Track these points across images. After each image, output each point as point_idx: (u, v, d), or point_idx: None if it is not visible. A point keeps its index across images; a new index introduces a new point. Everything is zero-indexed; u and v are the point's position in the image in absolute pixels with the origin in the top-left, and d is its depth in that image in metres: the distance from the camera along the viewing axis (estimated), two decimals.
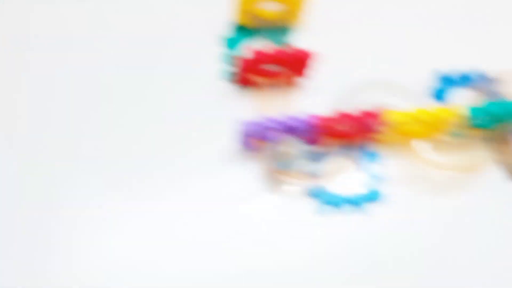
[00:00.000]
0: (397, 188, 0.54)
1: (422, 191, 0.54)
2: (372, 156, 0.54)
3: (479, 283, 0.51)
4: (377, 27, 0.61)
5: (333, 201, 0.53)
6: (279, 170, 0.51)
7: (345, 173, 0.54)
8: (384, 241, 0.52)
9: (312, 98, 0.56)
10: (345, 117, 0.50)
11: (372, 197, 0.53)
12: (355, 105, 0.54)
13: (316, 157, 0.54)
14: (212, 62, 0.56)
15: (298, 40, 0.59)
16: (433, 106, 0.50)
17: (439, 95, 0.57)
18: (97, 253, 0.50)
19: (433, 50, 0.60)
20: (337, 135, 0.53)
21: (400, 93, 0.56)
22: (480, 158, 0.53)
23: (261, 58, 0.52)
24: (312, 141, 0.53)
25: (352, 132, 0.53)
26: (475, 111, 0.50)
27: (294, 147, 0.50)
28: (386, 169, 0.54)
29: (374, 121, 0.50)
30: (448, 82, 0.58)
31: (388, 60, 0.59)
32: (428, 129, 0.53)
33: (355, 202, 0.53)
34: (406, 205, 0.53)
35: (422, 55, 0.60)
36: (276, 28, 0.58)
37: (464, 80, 0.58)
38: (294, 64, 0.53)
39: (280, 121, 0.49)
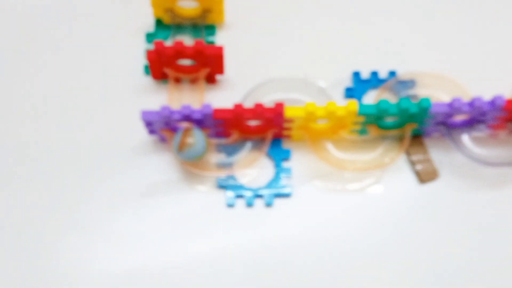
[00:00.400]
0: (305, 184, 0.57)
1: (330, 188, 0.56)
2: (283, 152, 0.57)
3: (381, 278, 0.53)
4: (297, 27, 0.64)
5: (243, 194, 0.56)
6: (187, 161, 0.54)
7: (255, 167, 0.57)
8: (291, 235, 0.55)
9: (227, 92, 0.59)
10: (248, 112, 0.52)
11: (282, 191, 0.56)
12: (262, 100, 0.57)
13: (227, 150, 0.56)
14: (133, 57, 0.60)
15: (218, 37, 0.63)
16: (331, 103, 0.52)
17: (352, 94, 0.59)
18: None
19: (349, 51, 0.62)
20: (244, 129, 0.55)
21: (313, 91, 0.58)
22: (386, 157, 0.55)
23: (176, 53, 0.55)
24: (221, 134, 0.56)
25: (258, 127, 0.55)
26: (364, 108, 0.51)
27: (199, 139, 0.52)
28: (296, 165, 0.57)
29: (277, 117, 0.52)
30: (361, 82, 0.60)
31: (305, 59, 0.62)
32: (331, 127, 0.55)
33: (265, 195, 0.56)
34: (314, 201, 0.56)
35: (338, 56, 0.62)
36: (196, 25, 0.61)
37: (377, 80, 0.59)
38: (209, 59, 0.56)
39: (182, 112, 0.51)
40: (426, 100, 0.51)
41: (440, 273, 0.53)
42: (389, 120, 0.55)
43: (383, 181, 0.57)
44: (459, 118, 0.55)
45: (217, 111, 0.52)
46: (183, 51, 0.55)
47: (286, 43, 0.63)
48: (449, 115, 0.52)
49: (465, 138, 0.55)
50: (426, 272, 0.53)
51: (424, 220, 0.55)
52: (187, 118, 0.52)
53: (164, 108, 0.51)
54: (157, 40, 0.56)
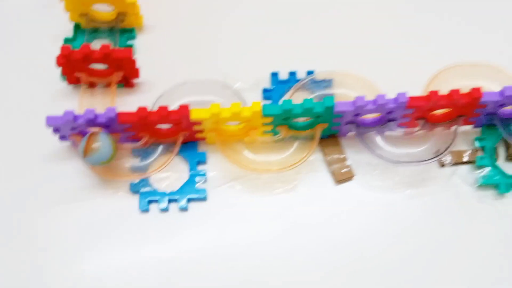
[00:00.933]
0: (221, 187, 0.56)
1: (245, 191, 0.56)
2: (198, 155, 0.57)
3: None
4: (216, 29, 0.64)
5: (157, 199, 0.55)
6: (94, 166, 0.54)
7: (170, 171, 0.57)
8: (206, 239, 0.55)
9: (144, 96, 0.59)
10: (153, 115, 0.52)
11: (196, 195, 0.55)
12: (177, 103, 0.57)
13: (140, 154, 0.56)
14: (51, 63, 0.59)
15: (139, 40, 0.63)
16: (234, 104, 0.52)
17: (270, 95, 0.59)
18: None
19: (268, 52, 0.63)
20: (155, 133, 0.55)
21: (228, 93, 0.58)
22: (297, 158, 0.55)
23: (84, 57, 0.55)
24: (134, 138, 0.55)
25: (169, 130, 0.55)
26: (268, 109, 0.51)
27: (105, 143, 0.52)
28: (212, 168, 0.57)
29: (184, 119, 0.52)
30: (279, 83, 0.60)
31: (225, 61, 0.62)
32: (243, 129, 0.55)
33: (179, 199, 0.55)
34: (229, 204, 0.56)
35: (258, 57, 0.62)
36: (113, 29, 0.61)
37: (295, 80, 0.59)
38: (121, 63, 0.56)
39: (86, 117, 0.51)
40: (330, 98, 0.51)
41: (358, 269, 0.53)
42: (300, 120, 0.54)
43: (299, 182, 0.56)
44: (370, 117, 0.54)
45: (122, 115, 0.52)
46: (91, 55, 0.55)
47: (207, 45, 0.63)
48: (356, 113, 0.52)
49: (376, 137, 0.55)
50: (345, 269, 0.53)
51: (341, 219, 0.55)
52: (91, 122, 0.51)
53: (68, 113, 0.51)
54: (64, 45, 0.55)
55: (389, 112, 0.52)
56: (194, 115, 0.52)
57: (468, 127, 0.57)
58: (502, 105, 0.52)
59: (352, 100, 0.52)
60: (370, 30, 0.64)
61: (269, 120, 0.53)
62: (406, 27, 0.64)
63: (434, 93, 0.51)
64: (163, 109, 0.51)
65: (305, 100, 0.51)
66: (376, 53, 0.62)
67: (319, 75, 0.59)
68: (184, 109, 0.51)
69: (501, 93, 0.51)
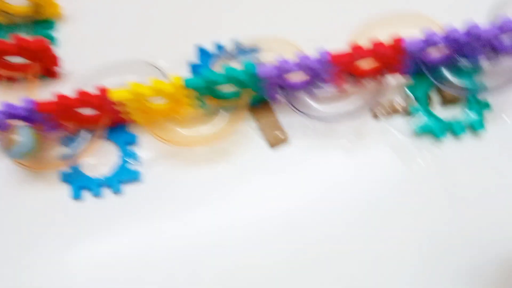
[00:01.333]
0: (154, 166, 0.55)
1: (180, 167, 0.55)
2: (128, 137, 0.56)
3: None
4: (136, 9, 0.63)
5: (89, 185, 0.54)
6: (18, 159, 0.52)
7: (99, 156, 0.55)
8: (143, 220, 0.54)
9: (70, 84, 0.57)
10: (73, 101, 0.50)
11: (129, 177, 0.54)
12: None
13: (67, 143, 0.55)
14: None
15: (61, 31, 0.61)
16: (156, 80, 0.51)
17: (198, 70, 0.58)
18: None
19: (192, 26, 0.61)
20: (80, 119, 0.54)
21: (153, 71, 0.56)
22: (229, 127, 0.54)
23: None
24: (59, 127, 0.54)
25: (94, 115, 0.54)
26: (190, 81, 0.50)
27: (25, 135, 0.50)
28: (145, 148, 0.56)
29: (105, 102, 0.51)
30: (207, 56, 0.58)
31: (150, 40, 0.61)
32: (170, 106, 0.53)
33: (112, 183, 0.54)
34: (165, 182, 0.55)
35: (182, 33, 0.61)
36: (34, 21, 0.59)
37: (221, 52, 0.58)
38: (39, 54, 0.54)
39: (5, 110, 0.50)
40: (251, 64, 0.50)
41: (296, 231, 0.53)
42: (226, 90, 0.53)
43: (234, 152, 0.55)
44: (298, 79, 0.53)
45: (40, 104, 0.50)
46: (5, 49, 0.53)
47: (130, 28, 0.62)
48: (280, 76, 0.51)
49: (307, 98, 0.54)
50: (286, 232, 0.53)
51: (279, 183, 0.55)
52: (11, 116, 0.50)
53: None
54: None
55: (314, 71, 0.51)
56: (115, 96, 0.50)
57: (399, 78, 0.56)
58: (426, 51, 0.51)
59: (274, 63, 0.50)
60: None
61: (194, 93, 0.51)
62: None
63: (356, 48, 0.50)
64: (82, 93, 0.50)
65: (227, 68, 0.50)
66: (300, 13, 0.60)
67: (245, 43, 0.57)
68: (102, 91, 0.50)
69: (424, 40, 0.50)
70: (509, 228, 0.51)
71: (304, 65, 0.50)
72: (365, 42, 0.51)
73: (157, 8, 0.62)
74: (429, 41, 0.49)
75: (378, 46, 0.49)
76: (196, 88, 0.51)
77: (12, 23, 0.59)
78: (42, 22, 0.60)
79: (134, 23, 0.62)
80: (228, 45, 0.58)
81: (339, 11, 0.60)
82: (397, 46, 0.49)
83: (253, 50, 0.57)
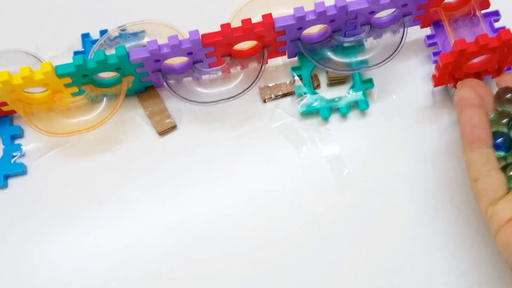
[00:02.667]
0: (40, 158, 0.55)
1: (67, 157, 0.55)
2: (12, 129, 0.55)
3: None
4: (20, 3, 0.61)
5: None
6: None
7: None
8: (28, 213, 0.53)
9: None
10: None
11: (12, 171, 0.53)
12: None
13: None
14: None
15: None
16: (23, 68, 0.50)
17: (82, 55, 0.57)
18: None
19: (77, 14, 0.61)
20: None
21: (33, 61, 0.56)
22: (109, 113, 0.53)
23: None
24: None
25: None
26: (61, 68, 0.49)
27: None
28: (31, 140, 0.55)
29: None
30: (92, 43, 0.58)
31: (33, 32, 0.60)
32: (50, 94, 0.53)
33: None
34: (52, 174, 0.54)
35: (68, 21, 0.61)
36: None
37: (108, 39, 0.57)
38: None
39: None
40: (121, 47, 0.49)
41: (212, 211, 0.52)
42: (106, 77, 0.52)
43: (122, 140, 0.55)
44: (177, 63, 0.53)
45: None
46: None
47: (17, 19, 0.61)
48: (156, 60, 0.50)
49: (189, 83, 0.54)
50: (201, 213, 0.52)
51: (168, 173, 0.54)
52: None
53: None
54: None
55: (190, 53, 0.51)
56: None
57: (285, 59, 0.56)
58: (300, 29, 0.51)
59: (145, 46, 0.50)
60: None
61: (69, 80, 0.51)
62: None
63: (226, 26, 0.49)
64: None
65: (96, 52, 0.49)
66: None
67: (130, 28, 0.56)
68: None
69: (293, 16, 0.49)
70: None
71: (175, 45, 0.49)
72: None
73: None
74: (299, 17, 0.49)
75: (246, 22, 0.49)
76: (69, 75, 0.50)
77: None
78: None
79: (20, 14, 0.61)
80: (112, 30, 0.57)
81: None
82: (267, 23, 0.49)
83: (139, 34, 0.56)
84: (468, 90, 0.44)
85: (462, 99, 0.44)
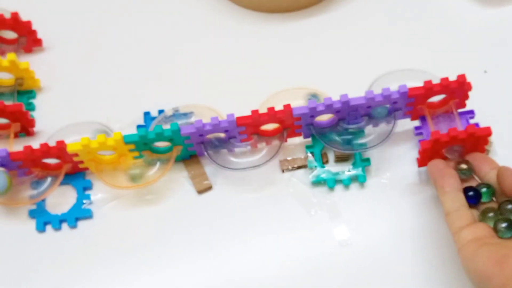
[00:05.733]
0: (104, 206, 0.70)
1: (125, 206, 0.69)
2: (84, 182, 0.70)
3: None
4: (97, 80, 0.79)
5: (51, 220, 0.68)
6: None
7: (61, 198, 0.70)
8: (95, 251, 0.67)
9: (37, 142, 0.72)
10: (38, 152, 0.66)
11: (82, 214, 0.68)
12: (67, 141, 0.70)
13: (36, 185, 0.70)
14: None
15: (38, 99, 0.77)
16: (100, 136, 0.66)
17: (145, 128, 0.73)
18: None
19: (141, 95, 0.77)
20: (45, 166, 0.69)
21: (107, 131, 0.72)
22: (160, 174, 0.68)
23: None
24: (28, 173, 0.69)
25: (57, 164, 0.69)
26: (128, 137, 0.65)
27: (1, 177, 0.65)
28: (98, 192, 0.70)
29: (62, 153, 0.66)
30: (151, 119, 0.74)
31: (105, 107, 0.76)
32: (116, 157, 0.69)
33: (68, 219, 0.68)
34: (114, 219, 0.69)
35: (134, 101, 0.77)
36: (17, 92, 0.76)
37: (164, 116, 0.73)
38: (17, 115, 0.70)
39: None
40: (175, 124, 0.65)
41: (223, 267, 0.65)
42: (161, 145, 0.68)
43: (168, 195, 0.70)
44: (215, 137, 0.68)
45: (12, 153, 0.65)
46: None
47: (92, 96, 0.78)
48: (200, 135, 0.66)
49: (225, 153, 0.69)
50: (215, 270, 0.65)
51: (204, 224, 0.68)
52: None
53: None
54: None
55: (226, 131, 0.66)
56: (70, 148, 0.65)
57: (301, 139, 0.71)
58: (312, 116, 0.66)
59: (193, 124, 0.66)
60: (216, 67, 0.79)
61: (133, 146, 0.67)
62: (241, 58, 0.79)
63: (255, 112, 0.65)
64: (43, 145, 0.65)
65: (156, 127, 0.65)
66: (222, 89, 0.77)
67: (182, 109, 0.73)
68: (60, 143, 0.65)
69: (307, 107, 0.65)
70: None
71: (216, 124, 0.65)
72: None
73: (113, 81, 0.79)
74: (311, 107, 0.64)
75: (270, 109, 0.64)
76: (133, 143, 0.66)
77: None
78: (23, 92, 0.76)
79: (95, 94, 0.78)
80: (168, 110, 0.73)
81: (251, 88, 0.76)
82: (287, 110, 0.65)
83: (188, 115, 0.73)
84: (436, 160, 0.60)
85: (431, 163, 0.60)
